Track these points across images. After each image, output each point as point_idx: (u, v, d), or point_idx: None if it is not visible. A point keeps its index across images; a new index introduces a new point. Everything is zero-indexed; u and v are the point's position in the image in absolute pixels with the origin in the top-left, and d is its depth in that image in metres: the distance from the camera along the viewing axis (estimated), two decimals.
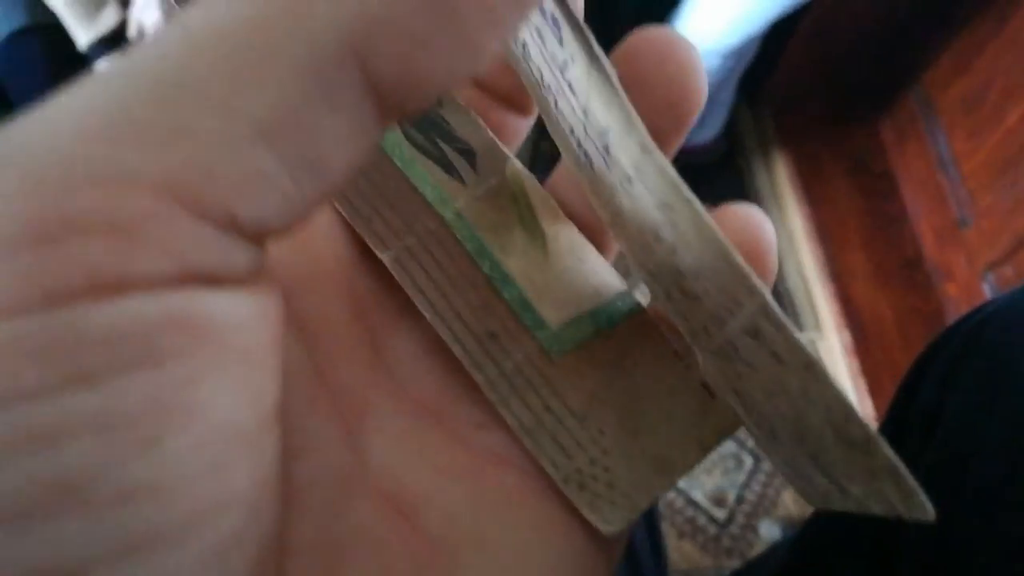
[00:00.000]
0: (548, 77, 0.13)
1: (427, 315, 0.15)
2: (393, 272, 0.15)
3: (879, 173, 1.19)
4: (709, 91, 1.06)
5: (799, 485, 0.15)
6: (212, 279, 0.09)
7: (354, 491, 0.13)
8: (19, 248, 0.08)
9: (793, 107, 1.25)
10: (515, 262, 0.16)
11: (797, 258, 1.17)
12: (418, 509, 0.14)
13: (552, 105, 0.14)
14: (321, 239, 0.15)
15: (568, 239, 0.17)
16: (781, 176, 1.27)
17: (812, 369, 0.11)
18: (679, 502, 0.93)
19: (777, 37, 1.04)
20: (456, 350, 0.15)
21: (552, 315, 0.16)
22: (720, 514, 0.93)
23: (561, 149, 0.16)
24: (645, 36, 0.14)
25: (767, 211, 1.25)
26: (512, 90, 0.17)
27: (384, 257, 0.15)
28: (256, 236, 0.10)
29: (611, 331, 0.16)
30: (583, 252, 0.17)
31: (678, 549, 0.90)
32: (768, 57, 1.10)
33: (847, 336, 1.08)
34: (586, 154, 0.14)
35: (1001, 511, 0.29)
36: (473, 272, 0.16)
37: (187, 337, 0.09)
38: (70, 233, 0.08)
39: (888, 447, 0.11)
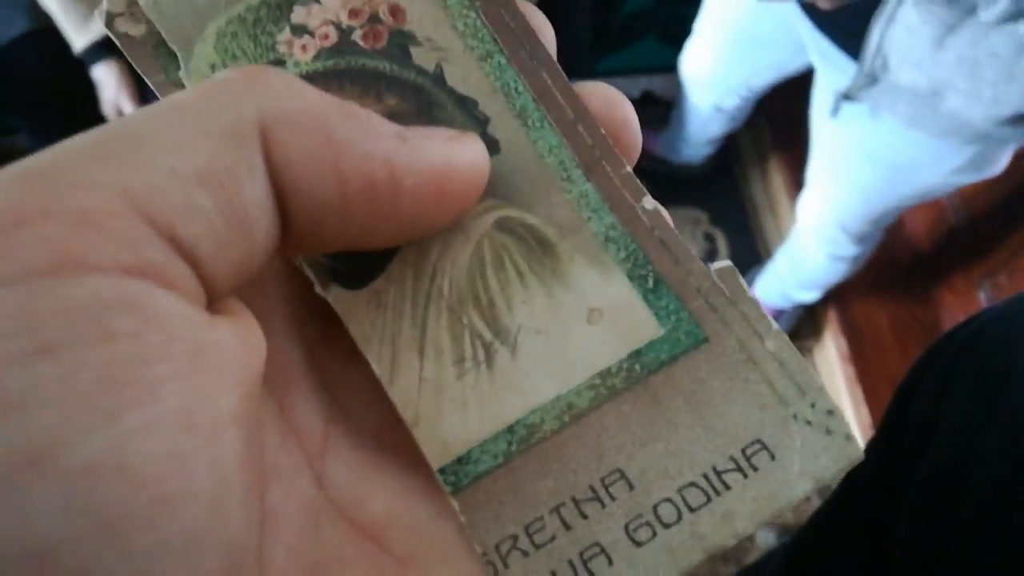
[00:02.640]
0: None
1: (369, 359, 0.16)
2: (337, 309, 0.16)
3: None
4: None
5: None
6: (160, 279, 0.11)
7: (321, 518, 0.14)
8: None
9: (788, 115, 1.25)
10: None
11: None
12: (383, 530, 0.15)
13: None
14: (272, 283, 0.16)
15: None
16: (777, 184, 1.27)
17: None
18: None
19: None
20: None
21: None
22: None
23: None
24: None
25: (762, 219, 1.26)
26: None
27: (328, 296, 0.16)
28: (193, 261, 0.12)
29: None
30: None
31: None
32: None
33: (843, 343, 1.08)
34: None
35: (1015, 510, 0.29)
36: None
37: (138, 320, 0.10)
38: (41, 218, 0.10)
39: None
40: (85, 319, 0.10)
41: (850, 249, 0.93)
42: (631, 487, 0.15)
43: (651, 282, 0.16)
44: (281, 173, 0.12)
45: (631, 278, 0.16)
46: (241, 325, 0.13)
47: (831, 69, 0.77)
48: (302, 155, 0.13)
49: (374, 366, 0.16)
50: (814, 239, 0.94)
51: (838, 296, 1.12)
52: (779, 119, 1.27)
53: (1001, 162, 0.75)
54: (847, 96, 0.73)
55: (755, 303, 0.16)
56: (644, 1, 1.26)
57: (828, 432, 0.15)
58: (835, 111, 0.76)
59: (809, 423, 0.15)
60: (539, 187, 0.17)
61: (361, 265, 0.16)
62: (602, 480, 0.15)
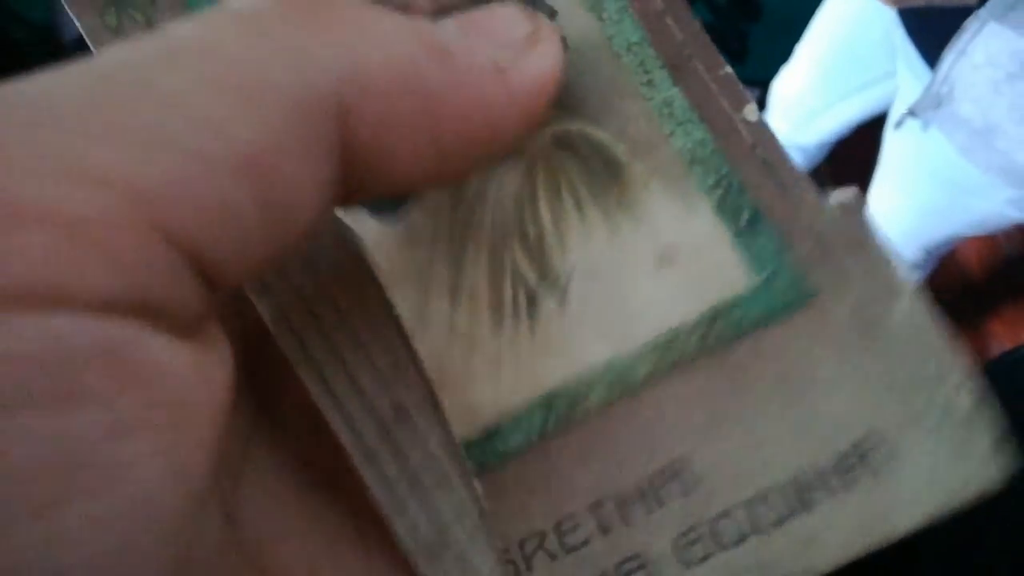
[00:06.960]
0: None
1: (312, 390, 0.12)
2: (272, 329, 0.12)
3: None
4: None
5: None
6: (158, 317, 0.08)
7: (224, 569, 0.10)
8: None
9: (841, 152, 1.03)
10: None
11: None
12: None
13: None
14: None
15: None
16: None
17: None
18: None
19: None
20: (345, 439, 0.12)
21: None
22: None
23: None
24: None
25: None
26: None
27: (263, 307, 0.12)
28: (210, 279, 0.08)
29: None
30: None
31: None
32: None
33: None
34: None
35: None
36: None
37: (118, 380, 0.07)
38: (14, 225, 0.07)
39: None
40: (46, 372, 0.07)
41: None
42: (689, 489, 0.12)
43: (746, 217, 0.13)
44: (361, 152, 0.09)
45: (719, 211, 0.13)
46: (213, 353, 0.09)
47: (911, 78, 0.75)
48: (395, 129, 0.09)
49: (401, 311, 0.12)
50: None
51: None
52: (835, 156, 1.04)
53: None
54: (912, 113, 0.73)
55: (885, 248, 0.12)
56: (704, 15, 0.90)
57: (965, 443, 0.11)
58: (899, 124, 0.76)
59: (940, 427, 0.11)
60: (612, 94, 0.13)
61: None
62: (652, 477, 0.12)
